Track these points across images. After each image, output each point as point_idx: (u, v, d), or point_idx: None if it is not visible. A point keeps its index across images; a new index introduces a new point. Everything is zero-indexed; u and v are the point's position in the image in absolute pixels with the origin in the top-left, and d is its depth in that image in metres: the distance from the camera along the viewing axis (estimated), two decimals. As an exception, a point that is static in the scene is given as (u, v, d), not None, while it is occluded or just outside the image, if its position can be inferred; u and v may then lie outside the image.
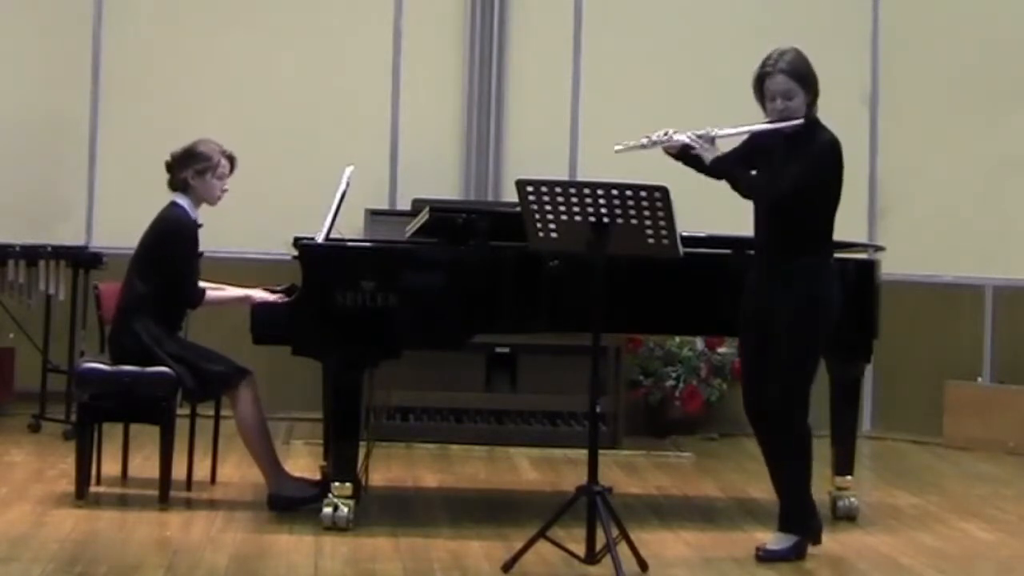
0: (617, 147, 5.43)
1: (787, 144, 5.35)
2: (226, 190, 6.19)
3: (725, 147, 5.45)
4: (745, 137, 5.50)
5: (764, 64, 5.36)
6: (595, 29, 8.79)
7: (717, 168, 5.37)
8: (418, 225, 5.87)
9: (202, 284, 6.15)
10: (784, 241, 5.36)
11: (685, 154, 5.39)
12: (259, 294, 5.99)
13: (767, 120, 5.37)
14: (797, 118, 5.30)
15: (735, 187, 5.41)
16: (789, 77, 5.30)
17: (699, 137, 5.37)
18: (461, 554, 5.37)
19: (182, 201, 6.12)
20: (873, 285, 6.21)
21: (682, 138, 5.36)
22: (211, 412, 6.47)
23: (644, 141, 5.39)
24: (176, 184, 6.15)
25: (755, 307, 5.45)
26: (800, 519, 5.44)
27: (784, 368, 5.35)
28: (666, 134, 5.38)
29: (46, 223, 8.33)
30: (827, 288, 5.39)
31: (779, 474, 5.49)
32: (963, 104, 8.56)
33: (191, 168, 6.10)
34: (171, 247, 6.04)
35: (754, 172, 5.43)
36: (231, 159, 6.17)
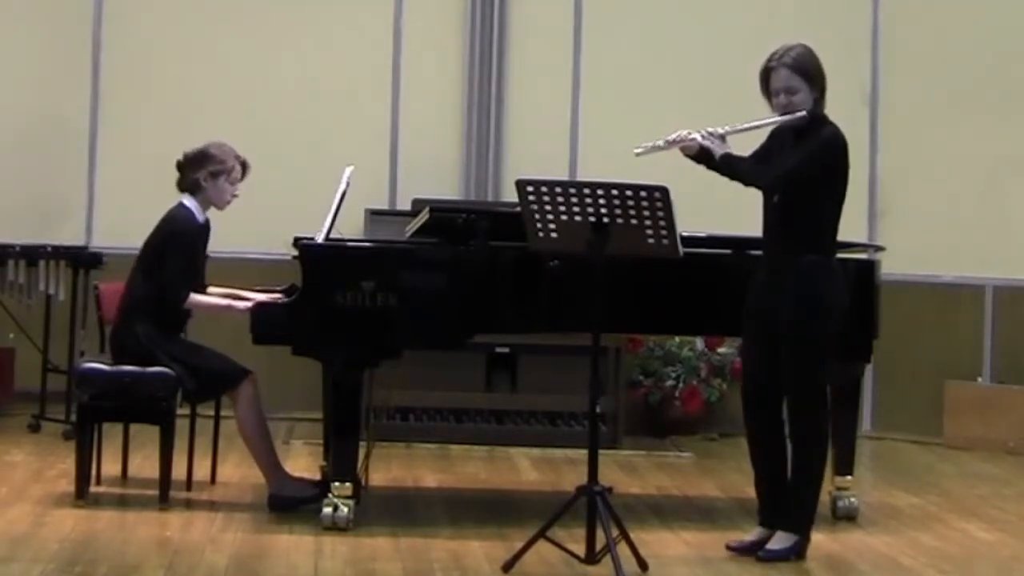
0: (637, 150, 5.42)
1: (795, 140, 5.40)
2: (236, 195, 6.18)
3: (741, 147, 5.46)
4: (764, 135, 5.54)
5: (770, 59, 5.41)
6: (595, 29, 8.79)
7: (725, 162, 5.38)
8: (418, 225, 5.88)
9: (211, 289, 6.17)
10: (789, 238, 5.38)
11: (702, 156, 5.40)
12: (242, 304, 5.96)
13: (772, 115, 5.41)
14: (800, 112, 5.33)
15: (740, 177, 5.42)
16: (793, 72, 5.34)
17: (710, 135, 5.38)
18: (461, 554, 5.37)
19: (189, 203, 6.12)
20: (873, 285, 6.21)
21: (696, 136, 5.37)
22: (211, 412, 6.47)
23: (662, 143, 5.40)
24: (186, 185, 6.13)
25: (759, 307, 5.46)
26: (802, 520, 5.44)
27: (795, 372, 5.36)
28: (680, 136, 5.39)
29: (46, 223, 8.33)
30: (832, 287, 5.40)
31: (777, 474, 5.49)
32: (963, 104, 8.56)
33: (205, 170, 6.09)
34: (167, 246, 6.03)
35: None
36: (244, 164, 6.16)
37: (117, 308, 6.18)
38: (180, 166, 6.14)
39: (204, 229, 6.17)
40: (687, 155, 5.43)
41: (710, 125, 5.46)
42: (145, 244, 6.12)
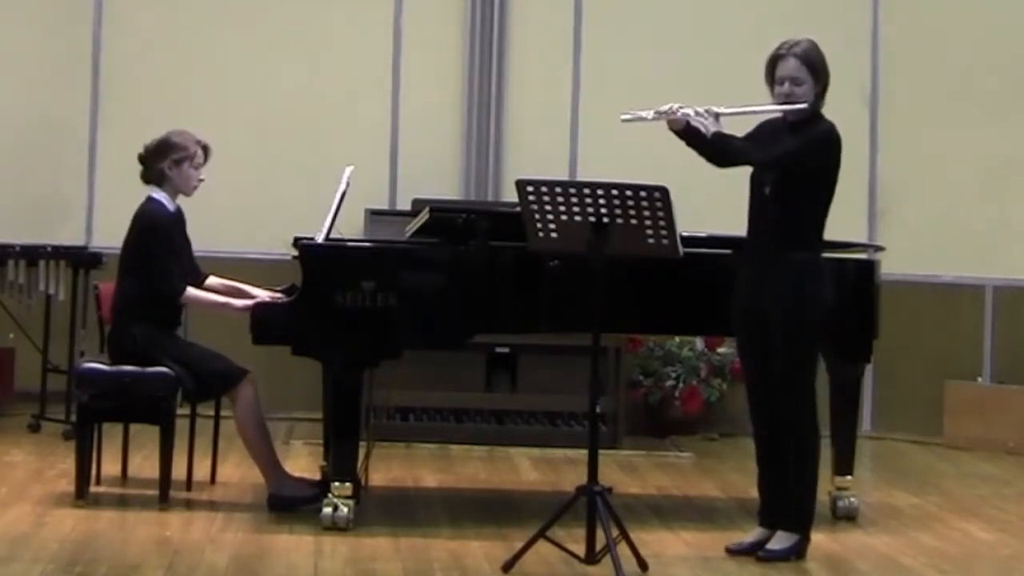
0: (624, 116, 5.41)
1: (790, 133, 5.39)
2: (202, 180, 6.18)
3: (731, 131, 5.44)
4: (752, 125, 5.51)
5: (780, 47, 5.42)
6: (595, 29, 8.79)
7: (717, 139, 5.31)
8: (418, 225, 5.88)
9: (212, 279, 6.18)
10: (780, 235, 5.36)
11: (688, 131, 5.36)
12: (240, 303, 5.95)
13: (772, 103, 5.41)
14: (801, 103, 5.32)
15: (731, 154, 5.35)
16: (801, 63, 5.35)
17: (706, 111, 5.36)
18: (461, 554, 5.37)
19: (158, 195, 6.13)
20: (873, 285, 6.20)
21: (688, 112, 5.35)
22: (211, 412, 6.47)
23: (651, 114, 5.37)
24: (151, 176, 6.15)
25: (751, 306, 5.45)
26: (801, 519, 5.44)
27: (784, 370, 5.35)
28: (671, 109, 5.36)
29: (46, 223, 8.33)
30: (818, 286, 5.40)
31: (779, 473, 5.49)
32: (963, 104, 8.56)
33: (168, 158, 6.11)
34: (147, 243, 6.03)
35: None
36: (206, 148, 6.18)
37: (110, 310, 6.18)
38: (143, 159, 6.16)
39: (178, 218, 6.17)
40: (672, 129, 5.37)
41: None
42: (124, 244, 6.13)
